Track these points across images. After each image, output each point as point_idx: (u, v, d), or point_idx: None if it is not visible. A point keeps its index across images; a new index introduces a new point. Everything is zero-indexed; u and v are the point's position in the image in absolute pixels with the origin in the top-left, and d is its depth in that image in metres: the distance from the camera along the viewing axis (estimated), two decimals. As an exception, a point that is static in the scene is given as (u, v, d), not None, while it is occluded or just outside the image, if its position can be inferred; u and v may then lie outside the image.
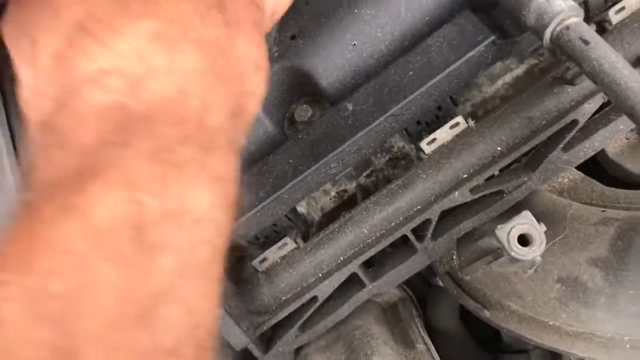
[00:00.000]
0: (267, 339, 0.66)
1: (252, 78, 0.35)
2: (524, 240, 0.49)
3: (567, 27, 0.48)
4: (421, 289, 0.81)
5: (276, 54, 0.62)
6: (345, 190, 0.73)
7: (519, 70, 0.68)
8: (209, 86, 0.31)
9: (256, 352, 0.64)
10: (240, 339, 0.61)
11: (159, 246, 0.27)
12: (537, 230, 0.49)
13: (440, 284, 0.70)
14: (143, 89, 0.29)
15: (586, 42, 0.47)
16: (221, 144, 0.31)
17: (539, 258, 0.49)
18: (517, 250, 0.48)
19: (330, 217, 0.72)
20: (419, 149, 0.61)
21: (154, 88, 0.29)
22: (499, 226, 0.49)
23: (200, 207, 0.29)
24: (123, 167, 0.27)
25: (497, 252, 0.51)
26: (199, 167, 0.29)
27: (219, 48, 0.32)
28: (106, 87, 0.28)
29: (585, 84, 0.55)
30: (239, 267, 0.67)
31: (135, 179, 0.27)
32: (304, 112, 0.63)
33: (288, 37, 0.62)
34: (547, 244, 0.50)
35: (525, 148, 0.57)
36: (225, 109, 0.32)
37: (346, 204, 0.73)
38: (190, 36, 0.30)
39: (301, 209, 0.73)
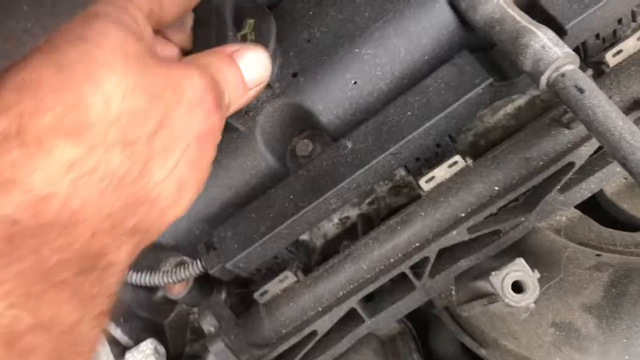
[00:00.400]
0: (267, 372, 0.67)
1: (169, 198, 0.38)
2: (517, 286, 0.50)
3: (563, 75, 0.48)
4: (424, 313, 0.82)
5: (278, 91, 0.63)
6: (348, 217, 0.74)
7: (521, 100, 0.68)
8: (104, 216, 0.34)
9: (256, 385, 0.64)
10: (240, 373, 0.62)
11: (29, 352, 0.31)
12: (531, 278, 0.49)
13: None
14: (42, 209, 0.32)
15: (581, 91, 0.47)
16: (103, 265, 0.35)
17: (532, 304, 0.49)
18: (511, 297, 0.49)
19: (333, 243, 0.73)
20: (419, 186, 0.62)
21: (50, 212, 0.32)
22: (493, 273, 0.50)
23: (69, 322, 0.33)
24: (7, 281, 0.30)
25: (492, 298, 0.52)
26: (74, 287, 0.33)
27: (131, 179, 0.35)
28: (11, 198, 0.31)
29: (582, 127, 0.56)
30: (244, 299, 0.68)
31: (15, 294, 0.30)
32: (305, 146, 0.64)
33: (290, 74, 0.63)
34: (542, 286, 0.51)
35: (522, 189, 0.57)
36: (118, 234, 0.36)
37: (349, 231, 0.74)
38: (102, 169, 0.34)
39: (304, 236, 0.74)
